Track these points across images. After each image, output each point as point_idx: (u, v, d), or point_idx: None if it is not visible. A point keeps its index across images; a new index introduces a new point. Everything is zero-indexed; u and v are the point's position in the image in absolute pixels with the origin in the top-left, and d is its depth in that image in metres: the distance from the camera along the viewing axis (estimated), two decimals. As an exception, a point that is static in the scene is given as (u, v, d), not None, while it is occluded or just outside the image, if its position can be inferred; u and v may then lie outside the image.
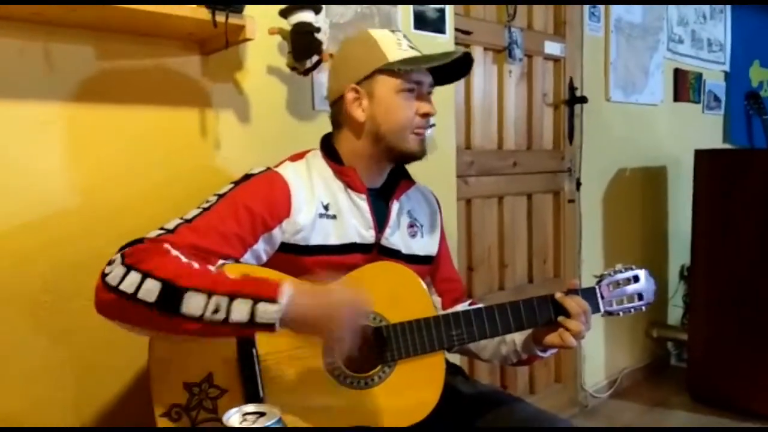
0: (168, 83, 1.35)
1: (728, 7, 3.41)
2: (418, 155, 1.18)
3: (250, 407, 0.72)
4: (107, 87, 1.27)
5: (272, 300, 0.90)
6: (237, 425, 0.70)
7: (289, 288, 0.91)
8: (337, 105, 1.20)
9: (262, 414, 0.72)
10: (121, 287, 0.91)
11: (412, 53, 1.16)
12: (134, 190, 1.31)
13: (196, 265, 0.95)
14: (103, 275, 0.94)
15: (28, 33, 1.17)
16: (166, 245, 0.96)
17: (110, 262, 0.96)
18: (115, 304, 0.92)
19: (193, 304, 0.89)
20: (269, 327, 0.90)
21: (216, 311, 0.89)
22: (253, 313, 0.89)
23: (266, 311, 0.89)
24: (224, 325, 0.89)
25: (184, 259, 0.95)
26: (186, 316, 0.89)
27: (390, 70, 1.13)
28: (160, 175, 1.34)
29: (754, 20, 3.55)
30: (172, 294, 0.90)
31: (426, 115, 1.17)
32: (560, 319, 1.13)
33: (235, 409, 0.72)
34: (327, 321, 0.92)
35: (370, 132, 1.16)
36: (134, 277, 0.91)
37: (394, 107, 1.14)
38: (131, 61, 1.29)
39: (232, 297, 0.90)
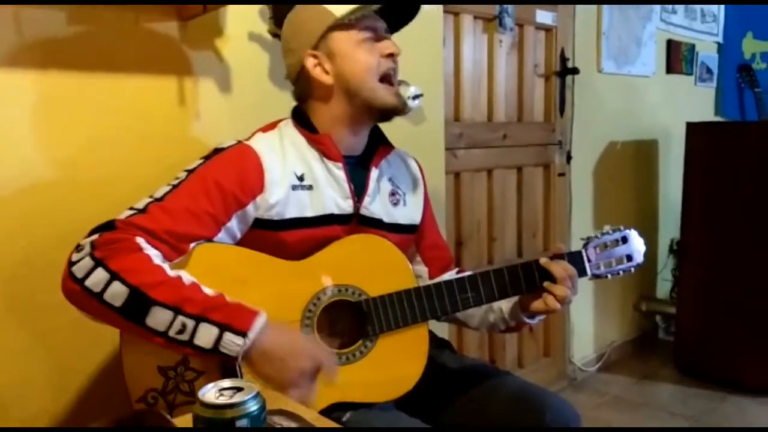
0: (145, 50, 1.30)
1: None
2: (398, 108, 1.13)
3: (227, 382, 0.70)
4: (81, 53, 1.22)
5: (241, 332, 0.89)
6: (213, 401, 0.67)
7: (261, 320, 0.91)
8: (300, 78, 1.14)
9: (239, 389, 0.69)
10: (87, 283, 0.89)
11: (357, 4, 1.10)
12: (112, 162, 1.27)
13: (168, 271, 0.92)
14: (70, 263, 0.91)
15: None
16: (138, 239, 0.93)
17: (78, 248, 0.92)
18: (80, 296, 0.90)
19: (159, 319, 0.88)
20: (231, 358, 0.89)
21: (181, 332, 0.89)
22: (218, 341, 0.89)
23: (231, 343, 0.89)
24: (188, 346, 0.89)
25: (155, 260, 0.92)
26: (150, 328, 0.89)
27: (342, 24, 1.09)
28: (138, 146, 1.30)
29: (748, -9, 3.50)
30: (138, 303, 0.88)
31: (390, 56, 1.11)
32: (545, 284, 1.11)
33: (211, 385, 0.69)
34: (289, 361, 0.92)
35: (341, 91, 1.12)
36: (101, 275, 0.89)
37: (357, 58, 1.10)
38: (106, 27, 1.24)
39: (198, 320, 0.89)
